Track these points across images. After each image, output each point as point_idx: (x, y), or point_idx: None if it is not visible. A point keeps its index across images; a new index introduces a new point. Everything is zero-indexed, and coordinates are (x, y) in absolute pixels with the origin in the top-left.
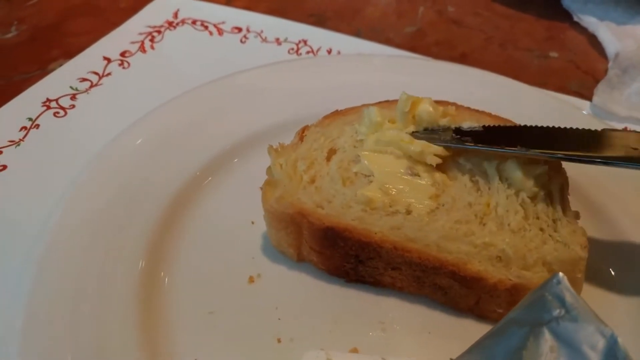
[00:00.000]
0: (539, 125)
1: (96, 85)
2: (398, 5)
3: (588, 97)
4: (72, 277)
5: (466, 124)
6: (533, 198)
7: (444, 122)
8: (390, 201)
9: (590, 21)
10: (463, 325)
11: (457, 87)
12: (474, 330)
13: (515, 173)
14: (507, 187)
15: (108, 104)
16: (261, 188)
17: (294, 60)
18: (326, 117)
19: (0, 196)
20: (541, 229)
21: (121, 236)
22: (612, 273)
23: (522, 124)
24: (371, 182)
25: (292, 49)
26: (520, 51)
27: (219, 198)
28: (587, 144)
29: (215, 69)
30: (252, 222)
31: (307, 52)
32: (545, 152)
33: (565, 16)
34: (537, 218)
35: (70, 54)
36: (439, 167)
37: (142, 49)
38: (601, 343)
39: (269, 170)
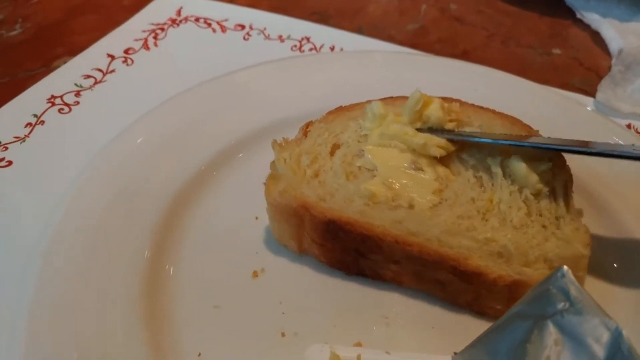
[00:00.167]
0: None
1: (100, 82)
2: (400, 2)
3: (591, 93)
4: (77, 269)
5: (469, 130)
6: (536, 195)
7: (449, 126)
8: (393, 195)
9: (593, 18)
10: (467, 319)
11: (461, 83)
12: (477, 324)
13: (519, 169)
14: (511, 184)
15: (112, 100)
16: (265, 183)
17: (297, 57)
18: (330, 112)
19: (6, 191)
20: (544, 226)
21: (125, 231)
22: (616, 266)
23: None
24: (374, 176)
25: (295, 46)
26: (523, 48)
27: (223, 193)
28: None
29: (218, 66)
30: (256, 218)
31: (310, 49)
32: (547, 144)
33: (568, 13)
34: (540, 215)
35: (74, 51)
36: (443, 162)
37: (145, 46)
38: (606, 336)
39: (273, 164)
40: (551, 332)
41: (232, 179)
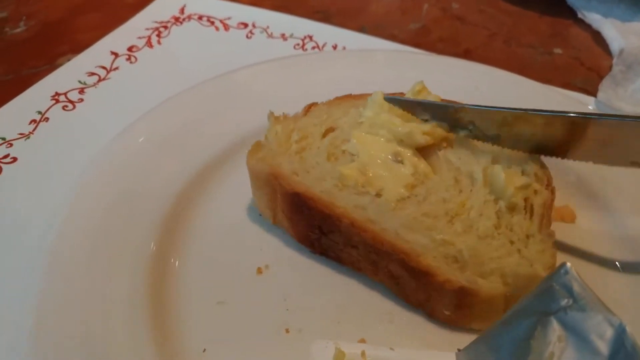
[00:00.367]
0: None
1: (104, 79)
2: (402, 2)
3: (593, 93)
4: (82, 265)
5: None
6: (512, 209)
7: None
8: (364, 182)
9: (594, 18)
10: None
11: (462, 82)
12: None
13: (498, 179)
14: (488, 192)
15: (116, 98)
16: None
17: (299, 55)
18: (338, 97)
19: (11, 188)
20: (511, 241)
21: (130, 228)
22: (618, 265)
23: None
24: (354, 161)
25: (298, 44)
26: (524, 48)
27: (227, 189)
28: None
29: (221, 65)
30: (261, 214)
31: (313, 48)
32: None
33: (569, 13)
34: (511, 230)
35: (78, 48)
36: (428, 160)
37: (149, 44)
38: (609, 332)
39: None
40: (555, 328)
41: (237, 175)
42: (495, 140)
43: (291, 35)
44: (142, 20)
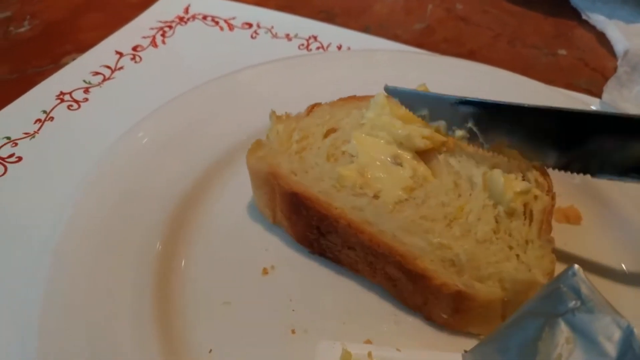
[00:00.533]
0: None
1: (109, 79)
2: (406, 2)
3: (597, 94)
4: (88, 264)
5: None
6: (511, 214)
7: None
8: (362, 183)
9: (598, 19)
10: None
11: (467, 82)
12: None
13: (497, 184)
14: (488, 197)
15: (121, 97)
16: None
17: (303, 55)
18: (341, 99)
19: (16, 187)
20: (510, 246)
21: (135, 228)
22: (624, 267)
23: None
24: (353, 162)
25: (302, 44)
26: (529, 48)
27: (232, 188)
28: None
29: (226, 64)
30: (261, 213)
31: (317, 48)
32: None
33: (574, 14)
34: (510, 235)
35: (82, 48)
36: (428, 163)
37: (153, 43)
38: (617, 334)
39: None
40: (562, 330)
41: (241, 175)
42: (493, 143)
43: (296, 36)
44: (146, 19)
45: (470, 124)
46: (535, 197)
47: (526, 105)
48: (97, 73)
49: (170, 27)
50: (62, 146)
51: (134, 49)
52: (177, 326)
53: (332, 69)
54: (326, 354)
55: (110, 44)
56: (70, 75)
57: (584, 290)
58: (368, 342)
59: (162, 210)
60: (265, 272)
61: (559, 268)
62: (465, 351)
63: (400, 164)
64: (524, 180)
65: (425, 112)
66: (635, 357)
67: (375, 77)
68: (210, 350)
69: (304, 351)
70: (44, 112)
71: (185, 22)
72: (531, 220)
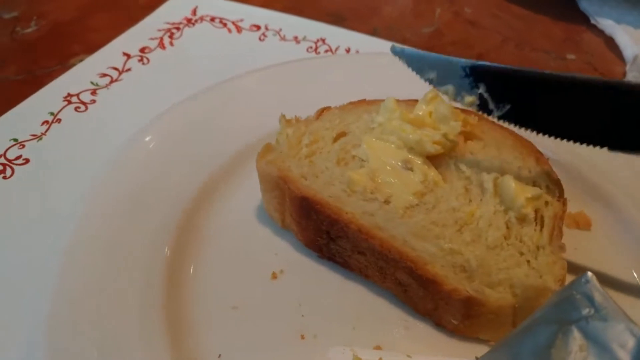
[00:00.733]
0: None
1: (116, 80)
2: (415, 5)
3: None
4: (97, 269)
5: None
6: (522, 219)
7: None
8: (373, 188)
9: (607, 24)
10: None
11: None
12: None
13: (508, 190)
14: (498, 203)
15: (128, 99)
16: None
17: (312, 58)
18: (351, 102)
19: (23, 189)
20: (521, 252)
21: (144, 231)
22: (635, 274)
23: None
24: (363, 167)
25: (311, 47)
26: (537, 52)
27: (241, 192)
28: None
29: (234, 66)
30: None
31: (326, 51)
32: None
33: (582, 18)
34: (520, 241)
35: (90, 49)
36: (439, 168)
37: (161, 45)
38: (631, 342)
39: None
40: (576, 337)
41: (249, 179)
42: (505, 111)
43: (304, 38)
44: (154, 21)
45: (481, 90)
46: (547, 202)
47: (542, 72)
48: (104, 75)
49: (178, 28)
50: (69, 148)
51: (142, 50)
52: (186, 331)
53: (342, 72)
54: (337, 359)
55: (118, 46)
56: (78, 76)
57: (598, 297)
58: (378, 347)
59: (171, 214)
60: (274, 276)
61: (570, 274)
62: (477, 358)
63: (411, 169)
64: (535, 186)
65: (433, 75)
66: None
67: (385, 80)
68: (220, 355)
69: (313, 356)
70: (51, 113)
71: (193, 24)
72: (542, 226)
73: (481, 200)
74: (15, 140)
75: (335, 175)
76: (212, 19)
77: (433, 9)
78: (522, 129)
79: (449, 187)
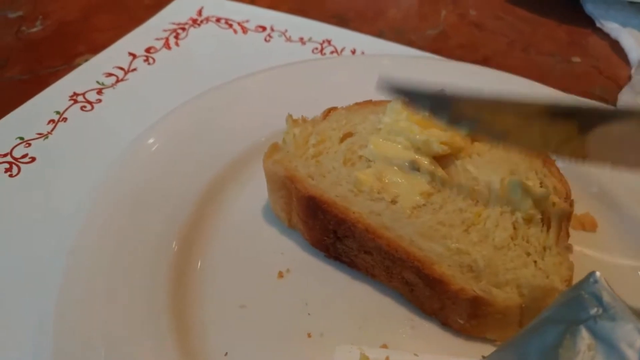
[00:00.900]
0: None
1: (122, 80)
2: (420, 8)
3: (611, 102)
4: (104, 266)
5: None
6: (529, 220)
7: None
8: (380, 188)
9: (612, 27)
10: None
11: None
12: None
13: (515, 190)
14: (505, 203)
15: (134, 99)
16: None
17: (317, 59)
18: (358, 103)
19: (30, 187)
20: (528, 253)
21: (151, 229)
22: None
23: None
24: (370, 167)
25: (317, 48)
26: (543, 56)
27: (247, 191)
28: None
29: (240, 67)
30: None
31: (331, 52)
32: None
33: (588, 21)
34: (527, 241)
35: (95, 49)
36: (446, 169)
37: (166, 45)
38: (639, 341)
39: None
40: (584, 337)
41: (256, 178)
42: (501, 138)
43: (310, 39)
44: (159, 21)
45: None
46: (554, 203)
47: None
48: (110, 74)
49: (183, 29)
50: (75, 147)
51: (147, 50)
52: (192, 329)
53: (348, 73)
54: (344, 358)
55: (124, 46)
56: (84, 76)
57: (606, 297)
58: (384, 346)
59: (178, 213)
60: (280, 275)
61: (576, 275)
62: (484, 357)
63: (418, 169)
64: (542, 186)
65: (426, 105)
66: None
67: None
68: (226, 354)
69: (320, 355)
70: (57, 112)
71: (199, 25)
72: (549, 227)
73: (488, 200)
74: (21, 138)
75: (342, 175)
76: (218, 20)
77: (438, 11)
78: None
79: (455, 188)
